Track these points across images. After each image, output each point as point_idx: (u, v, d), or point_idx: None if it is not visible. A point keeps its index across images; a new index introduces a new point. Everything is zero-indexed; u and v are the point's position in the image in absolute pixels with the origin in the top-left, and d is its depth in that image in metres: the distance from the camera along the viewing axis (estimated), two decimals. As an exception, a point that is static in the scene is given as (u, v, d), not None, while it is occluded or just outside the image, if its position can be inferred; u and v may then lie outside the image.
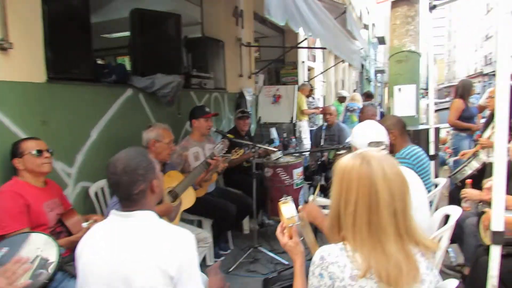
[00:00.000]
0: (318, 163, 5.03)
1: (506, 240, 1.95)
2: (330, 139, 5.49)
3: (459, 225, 2.97)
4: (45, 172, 2.43)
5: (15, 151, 2.35)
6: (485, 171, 3.67)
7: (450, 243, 3.01)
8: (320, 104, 10.84)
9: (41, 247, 1.90)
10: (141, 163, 1.52)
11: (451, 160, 5.50)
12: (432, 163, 4.26)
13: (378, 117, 5.57)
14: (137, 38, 3.81)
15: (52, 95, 2.86)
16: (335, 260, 1.24)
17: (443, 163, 6.11)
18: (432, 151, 4.26)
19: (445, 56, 73.43)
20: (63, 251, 2.01)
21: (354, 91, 16.37)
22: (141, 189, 1.51)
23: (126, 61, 7.77)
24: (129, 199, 1.52)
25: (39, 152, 2.37)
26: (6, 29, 2.45)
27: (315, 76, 11.92)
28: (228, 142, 3.70)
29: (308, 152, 5.87)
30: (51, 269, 1.83)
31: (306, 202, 4.93)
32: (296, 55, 10.33)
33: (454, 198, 3.73)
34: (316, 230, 2.32)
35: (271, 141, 4.87)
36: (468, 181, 3.16)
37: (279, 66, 10.37)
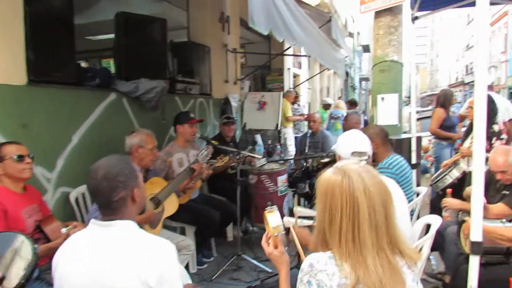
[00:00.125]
0: (303, 170, 5.05)
1: (485, 249, 1.98)
2: (315, 147, 5.51)
3: (440, 234, 3.01)
4: (26, 178, 2.37)
5: None
6: (465, 179, 3.74)
7: (432, 251, 3.05)
8: (305, 111, 10.90)
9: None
10: (122, 170, 1.50)
11: (433, 168, 5.59)
12: (414, 171, 4.33)
13: (362, 125, 5.62)
14: (122, 42, 3.76)
15: (32, 98, 2.81)
16: (324, 268, 1.24)
17: (425, 171, 6.20)
18: (414, 160, 4.32)
19: (428, 65, 74.83)
20: (38, 250, 1.97)
21: (339, 98, 16.53)
22: (121, 197, 1.48)
23: (111, 64, 7.69)
24: (108, 207, 1.49)
25: (20, 157, 2.31)
26: (-14, 30, 2.40)
27: (301, 83, 12.00)
28: (213, 148, 3.69)
29: (293, 160, 5.88)
30: (26, 268, 1.79)
31: (291, 210, 4.97)
32: (282, 61, 10.39)
33: (435, 206, 3.79)
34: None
35: (254, 143, 4.86)
36: (449, 190, 3.22)
37: (265, 73, 10.41)
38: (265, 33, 3.01)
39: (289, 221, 2.18)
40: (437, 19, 59.89)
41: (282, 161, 4.82)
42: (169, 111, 4.32)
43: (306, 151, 5.48)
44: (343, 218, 1.25)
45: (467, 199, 3.00)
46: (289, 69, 11.11)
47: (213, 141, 3.88)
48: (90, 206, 3.11)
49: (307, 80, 12.53)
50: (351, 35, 19.78)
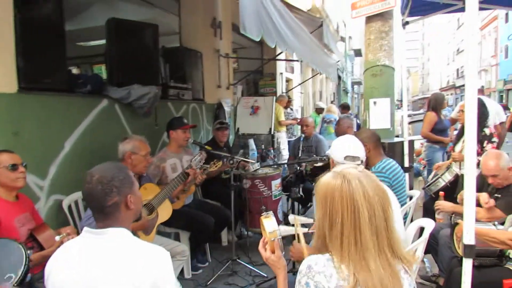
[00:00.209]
0: (296, 174, 5.05)
1: (478, 252, 1.99)
2: (308, 151, 5.53)
3: (433, 236, 3.04)
4: (19, 186, 2.36)
5: None
6: (457, 182, 3.77)
7: (425, 254, 3.07)
8: (298, 115, 10.94)
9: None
10: (117, 175, 1.51)
11: (425, 172, 5.62)
12: (407, 175, 4.36)
13: (355, 129, 5.65)
14: (114, 48, 3.75)
15: (23, 105, 2.79)
16: (322, 270, 1.25)
17: (417, 174, 6.24)
18: (406, 164, 4.34)
19: (419, 69, 75.55)
20: (31, 254, 1.98)
21: (332, 102, 16.62)
22: (114, 202, 1.48)
23: (102, 70, 7.67)
24: (102, 212, 1.49)
25: (14, 166, 2.30)
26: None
27: (293, 88, 12.05)
28: (206, 153, 3.68)
29: (286, 164, 5.89)
30: (20, 272, 1.81)
31: (285, 214, 4.97)
32: (274, 66, 10.43)
33: (428, 209, 3.82)
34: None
35: (245, 147, 4.85)
36: (441, 193, 3.25)
37: (257, 77, 10.44)
38: (257, 39, 3.02)
39: (285, 229, 2.19)
40: (428, 23, 60.57)
41: (275, 166, 4.82)
42: (161, 117, 4.31)
43: (300, 155, 5.49)
44: (344, 222, 1.26)
45: (460, 202, 3.02)
46: (281, 73, 11.15)
47: (206, 146, 3.88)
48: (83, 213, 3.09)
49: (299, 84, 12.59)
50: (342, 39, 19.94)
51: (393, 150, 4.26)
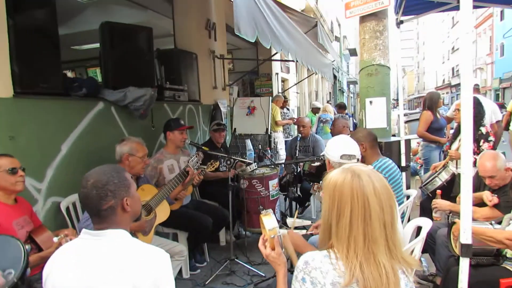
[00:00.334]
0: (294, 174, 5.05)
1: (474, 251, 2.00)
2: (305, 150, 5.54)
3: (431, 236, 3.05)
4: (18, 190, 2.39)
5: None
6: (454, 181, 3.79)
7: (423, 253, 3.08)
8: (295, 115, 10.96)
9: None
10: (112, 179, 1.50)
11: (422, 171, 5.64)
12: (404, 174, 4.37)
13: (351, 128, 5.66)
14: (108, 52, 3.75)
15: (19, 110, 2.79)
16: (319, 266, 1.26)
17: (414, 173, 6.25)
18: (403, 163, 4.35)
19: (415, 68, 75.80)
20: (30, 250, 2.01)
21: (328, 102, 16.64)
22: (110, 205, 1.49)
23: (97, 73, 7.66)
24: (98, 215, 1.49)
25: (13, 170, 2.33)
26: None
27: (289, 88, 12.06)
28: (203, 154, 3.69)
29: (283, 164, 5.89)
30: (20, 268, 1.82)
31: (282, 213, 4.98)
32: (270, 66, 10.44)
33: (425, 208, 3.83)
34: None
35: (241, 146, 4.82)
36: (438, 192, 3.26)
37: (253, 78, 10.44)
38: (252, 40, 3.02)
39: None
40: (422, 22, 60.80)
41: (273, 166, 4.83)
42: (158, 118, 4.31)
43: (297, 155, 5.50)
44: (353, 214, 1.26)
45: (459, 202, 3.03)
46: (277, 74, 11.17)
47: (203, 147, 3.89)
48: (81, 215, 3.09)
49: (295, 84, 12.60)
50: (337, 39, 19.98)
51: (390, 150, 4.26)
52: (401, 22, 4.90)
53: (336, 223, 1.30)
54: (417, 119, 6.00)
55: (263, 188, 4.32)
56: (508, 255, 2.46)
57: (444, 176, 3.84)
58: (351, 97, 32.75)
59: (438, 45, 53.30)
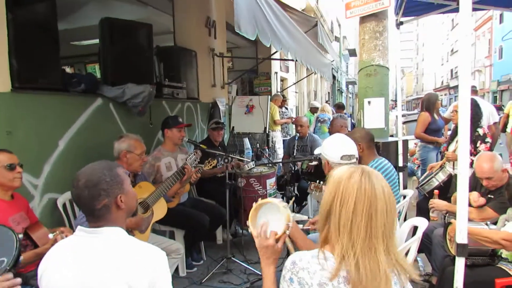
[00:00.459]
0: (291, 173, 5.06)
1: (470, 251, 2.01)
2: (303, 150, 5.55)
3: (427, 236, 3.06)
4: (16, 186, 2.38)
5: None
6: (451, 182, 3.80)
7: (419, 252, 3.09)
8: (293, 115, 10.96)
9: None
10: (103, 178, 1.48)
11: (419, 171, 5.65)
12: (401, 174, 4.38)
13: (349, 128, 5.67)
14: (107, 48, 3.74)
15: (17, 105, 2.77)
16: (306, 266, 1.26)
17: (411, 174, 6.27)
18: (401, 163, 4.37)
19: (413, 69, 75.89)
20: (22, 237, 1.99)
21: (327, 102, 16.65)
22: (104, 204, 1.47)
23: (96, 69, 7.65)
24: (92, 214, 1.48)
25: (12, 166, 2.32)
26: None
27: (288, 87, 12.06)
28: (201, 152, 3.69)
29: (281, 163, 5.91)
30: (12, 256, 1.80)
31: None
32: (269, 65, 10.43)
33: (422, 208, 3.84)
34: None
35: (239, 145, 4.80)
36: (436, 192, 3.27)
37: (252, 77, 10.44)
38: (252, 38, 3.02)
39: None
40: (422, 24, 60.88)
41: (270, 164, 4.83)
42: (156, 116, 4.31)
43: (294, 154, 5.50)
44: (357, 206, 1.25)
45: (454, 202, 3.04)
46: (276, 73, 11.17)
47: (201, 145, 3.88)
48: (78, 211, 3.08)
49: (294, 84, 12.60)
50: (337, 39, 19.99)
51: (387, 150, 4.27)
52: (401, 23, 4.92)
53: (339, 211, 1.26)
54: (415, 120, 6.02)
55: (261, 187, 4.33)
56: (503, 255, 2.48)
57: (441, 177, 3.85)
58: (350, 97, 32.78)
59: (437, 47, 53.39)
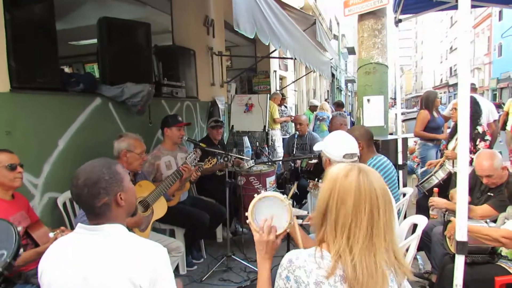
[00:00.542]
0: (291, 171, 5.07)
1: (470, 249, 2.01)
2: (302, 148, 5.55)
3: (426, 234, 3.06)
4: (16, 186, 2.39)
5: None
6: (450, 180, 3.80)
7: (418, 250, 3.09)
8: (293, 113, 10.96)
9: None
10: (102, 176, 1.47)
11: (419, 169, 5.65)
12: (401, 172, 4.38)
13: (348, 126, 5.66)
14: (106, 47, 3.73)
15: (16, 104, 2.77)
16: (303, 265, 1.25)
17: (411, 172, 6.27)
18: (400, 161, 4.37)
19: (413, 67, 75.87)
20: (20, 229, 2.01)
21: (326, 100, 16.65)
22: (104, 203, 1.47)
23: (95, 69, 7.64)
24: (92, 212, 1.48)
25: (12, 166, 2.33)
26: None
27: (287, 85, 12.05)
28: (201, 151, 3.69)
29: (280, 161, 5.91)
30: (12, 248, 1.84)
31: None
32: (268, 64, 10.42)
33: (421, 206, 3.84)
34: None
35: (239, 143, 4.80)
36: (435, 190, 3.28)
37: (251, 75, 10.43)
38: (251, 36, 3.01)
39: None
40: (420, 22, 60.83)
41: (270, 163, 4.84)
42: (155, 115, 4.30)
43: (294, 152, 5.51)
44: (356, 205, 1.24)
45: (452, 200, 3.05)
46: (275, 71, 11.16)
47: (201, 144, 3.88)
48: (78, 210, 3.08)
49: (293, 82, 12.60)
50: (336, 37, 19.98)
51: (387, 148, 4.28)
52: (400, 20, 4.91)
53: (336, 210, 1.26)
54: (415, 118, 6.01)
55: (260, 185, 4.33)
56: (503, 253, 2.48)
57: (441, 175, 3.85)
58: (349, 95, 32.79)
59: (436, 45, 53.38)
